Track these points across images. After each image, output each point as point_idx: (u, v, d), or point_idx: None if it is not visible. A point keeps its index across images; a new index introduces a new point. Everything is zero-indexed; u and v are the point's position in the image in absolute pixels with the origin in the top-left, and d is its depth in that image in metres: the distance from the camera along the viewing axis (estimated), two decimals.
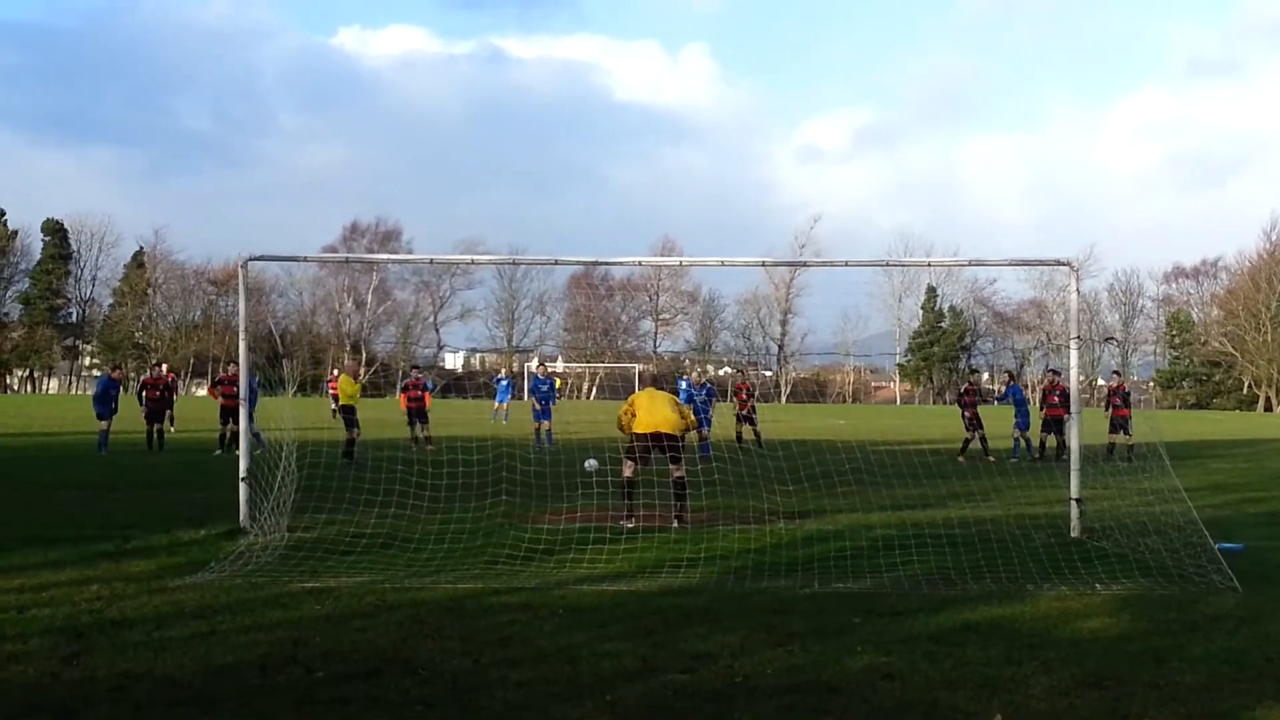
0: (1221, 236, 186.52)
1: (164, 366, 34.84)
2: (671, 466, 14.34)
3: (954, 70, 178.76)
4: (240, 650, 7.74)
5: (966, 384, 30.28)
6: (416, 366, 36.78)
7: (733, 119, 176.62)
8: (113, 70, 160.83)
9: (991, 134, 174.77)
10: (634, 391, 15.31)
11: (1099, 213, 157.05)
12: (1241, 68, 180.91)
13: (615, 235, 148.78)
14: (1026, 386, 31.01)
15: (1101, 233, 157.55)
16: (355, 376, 26.78)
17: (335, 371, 57.92)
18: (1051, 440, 26.69)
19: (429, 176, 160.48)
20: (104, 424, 26.17)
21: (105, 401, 26.74)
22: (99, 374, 28.04)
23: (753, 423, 29.81)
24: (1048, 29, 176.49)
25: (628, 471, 14.31)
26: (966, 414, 27.53)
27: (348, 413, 24.40)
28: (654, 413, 14.43)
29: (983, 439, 26.85)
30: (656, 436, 14.34)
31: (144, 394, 27.50)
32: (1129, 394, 28.30)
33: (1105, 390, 29.55)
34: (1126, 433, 26.16)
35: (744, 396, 30.73)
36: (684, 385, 28.51)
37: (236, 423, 23.39)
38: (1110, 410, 27.05)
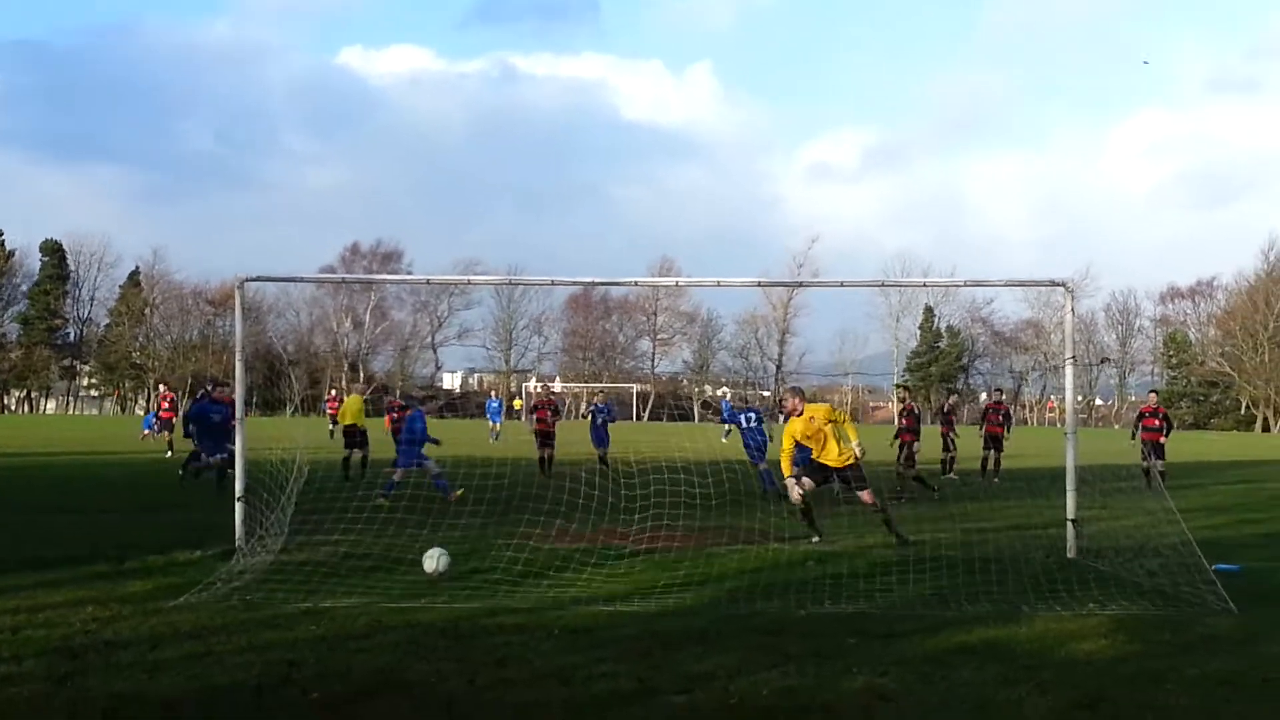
0: (1222, 256, 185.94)
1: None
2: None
3: (965, 90, 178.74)
4: (235, 671, 7.73)
5: (990, 401, 29.79)
6: (410, 396, 36.25)
7: (737, 139, 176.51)
8: (115, 90, 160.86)
9: (1000, 153, 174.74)
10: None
11: (1106, 231, 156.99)
12: (1261, 86, 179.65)
13: (617, 255, 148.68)
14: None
15: (1107, 252, 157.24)
16: (364, 395, 27.02)
17: (333, 391, 58.01)
18: (990, 457, 26.66)
19: (431, 196, 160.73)
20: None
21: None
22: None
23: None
24: (1066, 47, 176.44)
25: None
26: (984, 430, 27.40)
27: (358, 433, 24.37)
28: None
29: (998, 460, 26.76)
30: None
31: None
32: (1168, 416, 27.31)
33: (1139, 411, 27.56)
34: (1159, 457, 24.98)
35: (547, 415, 27.27)
36: (726, 407, 28.28)
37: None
38: (1139, 432, 25.98)
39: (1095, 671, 7.99)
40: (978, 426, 28.50)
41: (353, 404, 25.36)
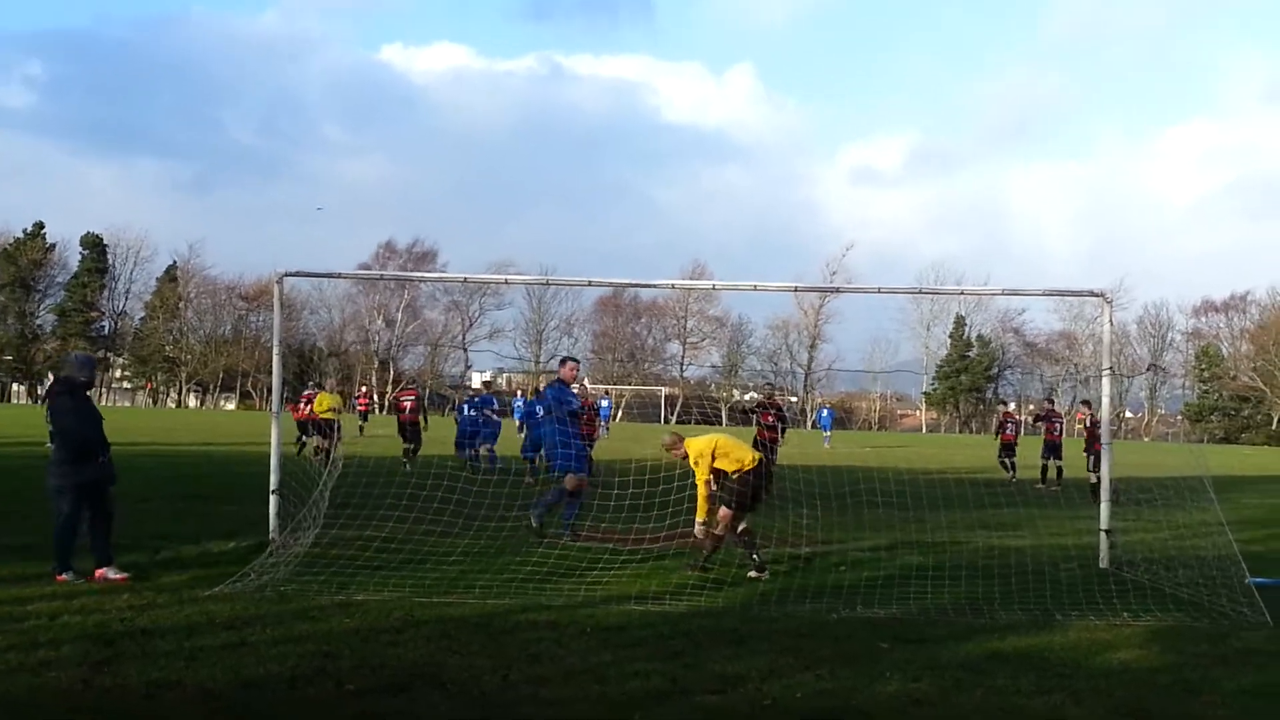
0: (1262, 270, 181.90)
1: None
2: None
3: (1012, 95, 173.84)
4: (270, 662, 7.79)
5: (1047, 410, 29.63)
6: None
7: (777, 141, 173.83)
8: (160, 81, 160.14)
9: (1044, 161, 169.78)
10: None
11: (1146, 243, 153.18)
12: None
13: (651, 257, 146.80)
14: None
15: (1144, 264, 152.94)
16: (332, 392, 29.10)
17: (364, 388, 58.36)
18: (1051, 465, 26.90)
19: (468, 195, 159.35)
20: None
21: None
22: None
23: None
24: (1119, 55, 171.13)
25: (742, 524, 12.46)
26: (1048, 438, 27.34)
27: (329, 425, 25.81)
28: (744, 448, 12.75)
29: (1060, 469, 26.65)
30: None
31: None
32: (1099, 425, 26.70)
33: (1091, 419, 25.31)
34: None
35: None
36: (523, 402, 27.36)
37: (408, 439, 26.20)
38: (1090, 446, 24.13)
39: (1131, 681, 7.94)
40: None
41: (328, 399, 27.37)
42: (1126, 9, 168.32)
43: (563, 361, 16.05)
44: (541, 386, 35.82)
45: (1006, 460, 29.04)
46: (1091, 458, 23.63)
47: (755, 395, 27.35)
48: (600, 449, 27.49)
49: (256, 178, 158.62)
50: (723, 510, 12.30)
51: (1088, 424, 25.17)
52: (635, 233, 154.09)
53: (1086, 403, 28.94)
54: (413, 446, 26.38)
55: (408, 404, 27.66)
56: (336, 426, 25.72)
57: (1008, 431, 29.93)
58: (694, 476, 12.63)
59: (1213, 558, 11.95)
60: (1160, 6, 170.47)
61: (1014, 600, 10.78)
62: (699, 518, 12.48)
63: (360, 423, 42.68)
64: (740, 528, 12.33)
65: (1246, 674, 8.25)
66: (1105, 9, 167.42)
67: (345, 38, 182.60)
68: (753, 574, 11.94)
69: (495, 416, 26.91)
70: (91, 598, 9.66)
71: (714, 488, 12.52)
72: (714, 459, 12.39)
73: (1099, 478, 22.85)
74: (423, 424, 27.19)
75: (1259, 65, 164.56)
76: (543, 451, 24.80)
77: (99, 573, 10.52)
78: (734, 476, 12.31)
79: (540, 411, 26.22)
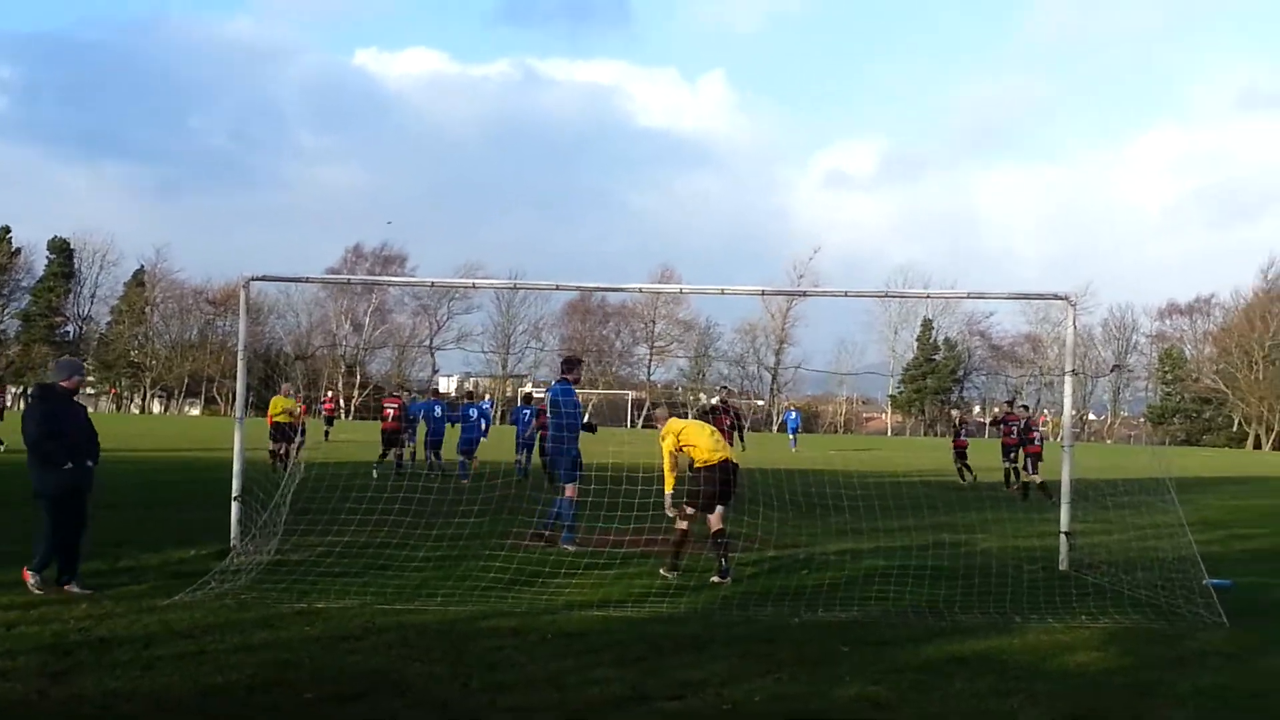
0: (1229, 274, 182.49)
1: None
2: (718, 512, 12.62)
3: (986, 101, 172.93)
4: (229, 670, 7.74)
5: (1005, 413, 29.48)
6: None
7: (751, 147, 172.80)
8: (134, 86, 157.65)
9: (1016, 166, 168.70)
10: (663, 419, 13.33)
11: (1117, 248, 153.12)
12: None
13: (621, 261, 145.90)
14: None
15: (1114, 268, 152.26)
16: (288, 396, 28.99)
17: (330, 393, 58.12)
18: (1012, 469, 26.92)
19: (439, 199, 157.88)
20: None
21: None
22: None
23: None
24: (1095, 61, 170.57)
25: (684, 524, 12.53)
26: (1006, 442, 27.35)
27: (289, 429, 25.76)
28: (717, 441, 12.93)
29: (1016, 470, 26.58)
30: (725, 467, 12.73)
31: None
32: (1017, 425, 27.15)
33: (1026, 421, 26.13)
34: (1033, 470, 24.51)
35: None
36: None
37: (398, 446, 26.45)
38: (1026, 446, 25.06)
39: (1088, 683, 8.01)
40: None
41: (281, 402, 27.15)
42: (1100, 16, 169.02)
43: (573, 364, 15.36)
44: (474, 389, 35.70)
45: (961, 464, 29.36)
46: (1029, 459, 24.60)
47: (718, 398, 27.25)
48: None
49: (226, 182, 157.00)
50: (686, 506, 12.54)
51: (1021, 425, 25.64)
52: (608, 238, 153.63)
53: (1025, 406, 29.24)
54: (398, 453, 26.64)
55: (390, 412, 27.76)
56: (299, 430, 25.55)
57: (961, 437, 30.37)
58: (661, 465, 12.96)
59: (1172, 559, 12.08)
60: (1134, 14, 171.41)
61: (974, 603, 10.84)
62: (666, 489, 12.74)
63: (326, 427, 42.55)
64: (715, 529, 12.40)
65: (1202, 675, 8.33)
66: (1078, 16, 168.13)
67: (319, 43, 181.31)
68: (715, 579, 11.98)
69: (439, 417, 27.29)
70: (50, 607, 9.58)
71: (678, 461, 12.85)
72: (678, 441, 12.73)
73: (1036, 478, 23.88)
74: (404, 431, 27.33)
75: (1232, 71, 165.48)
76: (531, 455, 25.00)
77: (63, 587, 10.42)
78: (698, 470, 12.58)
79: (504, 416, 26.51)
